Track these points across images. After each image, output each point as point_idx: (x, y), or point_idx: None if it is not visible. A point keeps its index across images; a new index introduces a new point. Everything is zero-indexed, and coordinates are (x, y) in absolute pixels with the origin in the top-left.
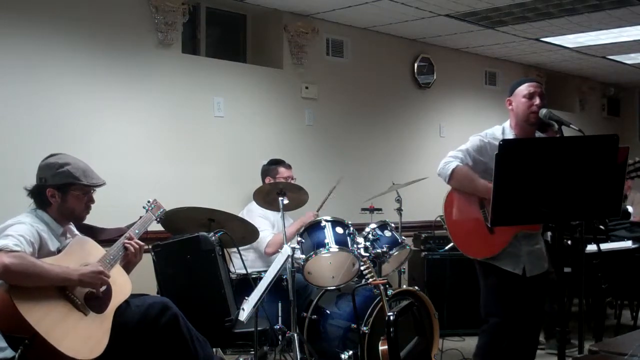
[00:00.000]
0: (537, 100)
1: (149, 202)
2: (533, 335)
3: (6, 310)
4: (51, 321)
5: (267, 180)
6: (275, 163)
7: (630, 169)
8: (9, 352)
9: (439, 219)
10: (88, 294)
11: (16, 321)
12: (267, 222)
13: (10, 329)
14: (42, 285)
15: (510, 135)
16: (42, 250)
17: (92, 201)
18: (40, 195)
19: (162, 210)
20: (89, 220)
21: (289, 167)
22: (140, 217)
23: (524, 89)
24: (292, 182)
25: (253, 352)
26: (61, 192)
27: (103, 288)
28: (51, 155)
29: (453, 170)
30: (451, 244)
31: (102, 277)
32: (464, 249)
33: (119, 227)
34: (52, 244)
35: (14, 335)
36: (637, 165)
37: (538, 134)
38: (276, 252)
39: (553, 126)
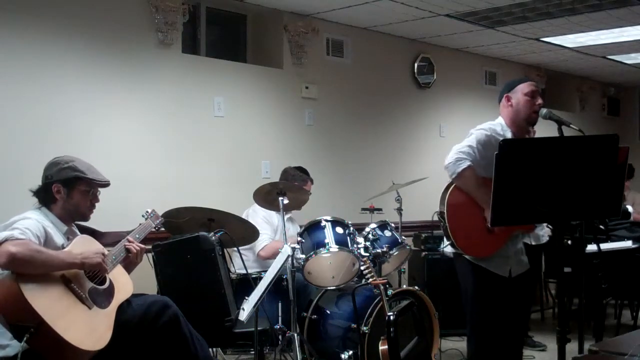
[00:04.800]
0: (539, 100)
1: (147, 212)
2: (519, 334)
3: (13, 298)
4: (57, 311)
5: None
6: (307, 174)
7: None
8: (10, 350)
9: (436, 217)
10: (92, 289)
11: (23, 309)
12: (268, 227)
13: (17, 317)
14: (49, 271)
15: (508, 133)
16: (47, 245)
17: (97, 200)
18: (45, 192)
19: (160, 220)
20: (91, 220)
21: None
22: (140, 224)
23: (525, 87)
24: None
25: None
26: (67, 188)
27: (106, 285)
28: (55, 158)
29: (463, 170)
30: (449, 242)
31: (101, 256)
32: (464, 247)
33: (119, 232)
34: (58, 239)
35: (20, 324)
36: None
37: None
38: (270, 258)
39: None
